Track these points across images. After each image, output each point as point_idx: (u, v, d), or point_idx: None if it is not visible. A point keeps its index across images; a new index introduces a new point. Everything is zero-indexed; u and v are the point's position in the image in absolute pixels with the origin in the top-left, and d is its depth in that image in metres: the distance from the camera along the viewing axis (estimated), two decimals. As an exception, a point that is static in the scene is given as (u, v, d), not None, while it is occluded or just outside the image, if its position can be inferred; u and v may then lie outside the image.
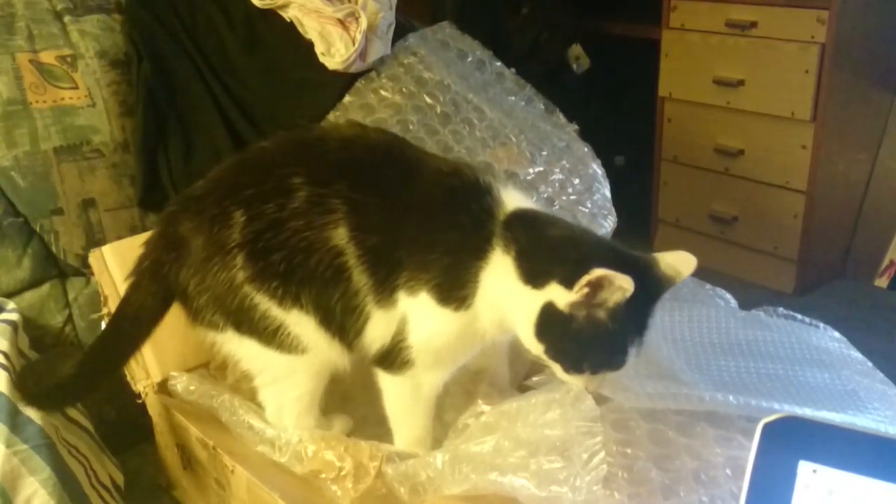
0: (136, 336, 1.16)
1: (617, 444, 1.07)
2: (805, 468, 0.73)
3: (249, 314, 1.09)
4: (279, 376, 1.14)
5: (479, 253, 1.01)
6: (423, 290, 1.03)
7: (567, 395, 1.05)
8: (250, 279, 1.07)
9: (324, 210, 1.05)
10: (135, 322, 1.15)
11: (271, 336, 1.09)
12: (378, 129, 1.19)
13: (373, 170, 1.08)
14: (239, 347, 1.14)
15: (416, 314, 1.04)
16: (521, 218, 1.03)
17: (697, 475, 1.02)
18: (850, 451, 0.72)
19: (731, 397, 1.09)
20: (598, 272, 0.91)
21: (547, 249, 1.00)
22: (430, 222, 1.04)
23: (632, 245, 1.59)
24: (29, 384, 1.17)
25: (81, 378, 1.18)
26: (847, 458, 0.72)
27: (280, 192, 1.06)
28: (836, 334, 1.38)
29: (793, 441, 0.73)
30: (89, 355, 1.19)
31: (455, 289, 1.02)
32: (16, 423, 1.09)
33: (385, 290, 1.05)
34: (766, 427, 0.74)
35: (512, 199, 1.06)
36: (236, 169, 1.14)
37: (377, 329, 1.07)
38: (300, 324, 1.09)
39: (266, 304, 1.08)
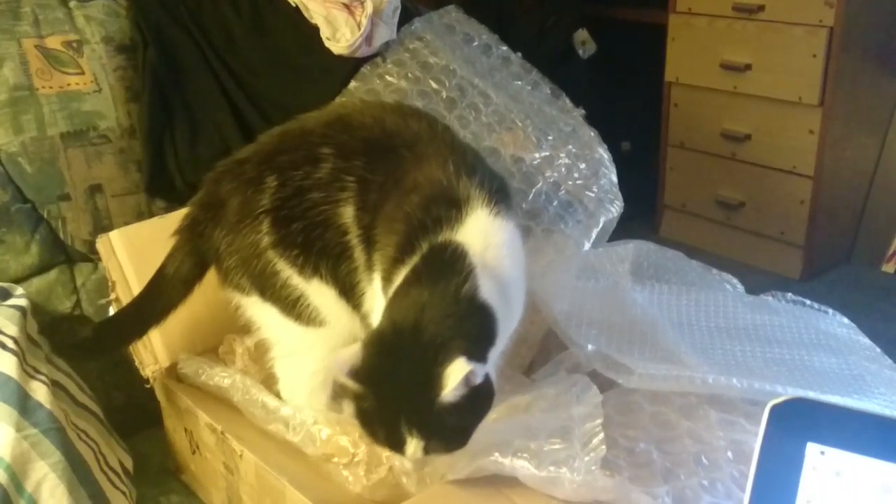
0: (171, 296, 1.19)
1: (620, 426, 1.07)
2: (813, 450, 0.74)
3: (272, 280, 1.10)
4: (296, 349, 1.15)
5: (407, 257, 0.98)
6: (379, 275, 1.04)
7: (574, 387, 1.06)
8: (274, 245, 1.08)
9: (340, 186, 1.06)
10: (172, 281, 1.18)
11: (292, 305, 1.11)
12: (416, 112, 1.16)
13: (390, 151, 1.07)
14: (261, 313, 1.15)
15: (376, 296, 1.05)
16: (435, 253, 0.96)
17: (698, 458, 1.03)
18: (858, 432, 0.72)
19: (734, 380, 1.08)
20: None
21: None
22: (396, 211, 1.03)
23: (638, 231, 1.60)
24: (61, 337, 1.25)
25: (113, 332, 1.25)
26: (855, 439, 0.72)
27: (309, 159, 1.08)
28: (845, 320, 1.38)
29: (801, 423, 0.74)
30: (126, 310, 1.24)
31: (390, 280, 1.00)
32: (26, 408, 1.10)
33: (369, 269, 1.07)
34: (774, 409, 0.74)
35: (469, 231, 0.98)
36: (279, 136, 1.15)
37: (367, 306, 1.09)
38: (320, 295, 1.10)
39: (287, 272, 1.09)
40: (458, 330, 0.91)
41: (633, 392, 1.13)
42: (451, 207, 0.99)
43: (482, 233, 0.99)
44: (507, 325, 1.00)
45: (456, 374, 0.87)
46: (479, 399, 0.93)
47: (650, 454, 1.03)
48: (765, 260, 2.41)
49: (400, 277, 0.97)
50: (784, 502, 0.73)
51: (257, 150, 1.14)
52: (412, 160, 1.06)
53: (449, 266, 0.95)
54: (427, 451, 0.93)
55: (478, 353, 0.92)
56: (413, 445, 0.93)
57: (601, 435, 0.96)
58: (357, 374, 0.93)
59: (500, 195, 1.04)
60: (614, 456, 1.01)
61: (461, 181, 1.02)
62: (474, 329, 0.93)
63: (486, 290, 0.95)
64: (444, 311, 0.92)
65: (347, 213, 1.06)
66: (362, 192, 1.06)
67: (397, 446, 0.94)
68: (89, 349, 1.30)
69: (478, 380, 0.90)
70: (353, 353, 0.93)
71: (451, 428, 0.93)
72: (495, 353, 0.98)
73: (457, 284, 0.93)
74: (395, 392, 0.92)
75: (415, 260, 0.97)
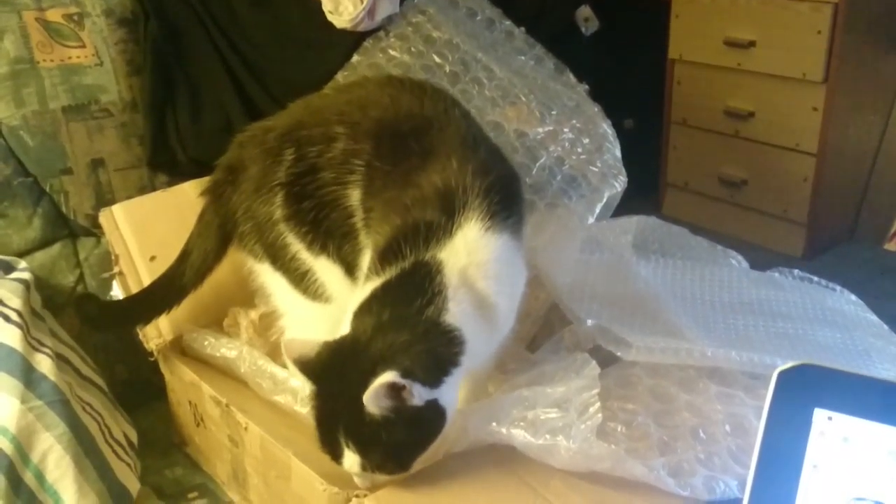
0: (204, 260, 1.21)
1: (619, 399, 1.08)
2: (820, 415, 0.74)
3: (282, 252, 1.11)
4: (303, 322, 1.16)
5: (389, 262, 0.97)
6: (367, 262, 1.03)
7: (573, 364, 1.06)
8: (286, 218, 1.09)
9: (349, 168, 1.06)
10: (203, 247, 1.20)
11: (300, 279, 1.12)
12: (436, 93, 1.13)
13: (398, 138, 1.05)
14: (272, 282, 1.17)
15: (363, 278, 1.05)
16: (411, 272, 0.95)
17: (696, 432, 1.03)
18: (865, 398, 0.72)
19: (733, 353, 1.08)
20: None
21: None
22: (395, 202, 1.01)
23: (641, 209, 1.59)
24: (89, 308, 1.29)
25: (149, 299, 1.26)
26: (862, 405, 0.72)
27: (324, 137, 1.08)
28: (853, 297, 1.37)
29: (808, 389, 0.74)
30: (161, 279, 1.25)
31: (374, 272, 0.99)
32: (30, 380, 1.10)
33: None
34: (782, 375, 0.74)
35: (455, 245, 0.96)
36: (303, 107, 1.16)
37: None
38: (327, 272, 1.11)
39: (297, 247, 1.10)
40: (406, 349, 0.90)
41: (633, 365, 1.13)
42: (443, 215, 0.97)
43: (467, 249, 0.97)
44: (484, 344, 0.99)
45: (378, 381, 0.86)
46: (419, 422, 0.91)
47: (648, 427, 1.03)
48: (767, 237, 2.40)
49: (377, 281, 0.96)
50: (791, 467, 0.73)
51: (282, 118, 1.15)
52: (419, 154, 1.03)
53: (419, 287, 0.94)
54: (365, 468, 0.92)
55: (423, 375, 0.89)
56: (350, 458, 0.92)
57: (597, 404, 0.96)
58: (306, 365, 0.93)
59: (503, 204, 1.00)
60: (612, 429, 1.01)
61: (461, 185, 0.99)
62: (426, 352, 0.91)
63: (456, 312, 0.94)
64: (400, 331, 0.91)
65: (354, 196, 1.06)
66: (369, 178, 1.05)
67: (336, 456, 0.93)
68: (128, 319, 1.32)
69: (415, 400, 0.88)
70: (306, 342, 0.93)
71: (386, 447, 0.91)
72: (463, 371, 0.96)
73: (419, 307, 0.92)
74: (337, 399, 0.92)
75: (393, 272, 0.96)
